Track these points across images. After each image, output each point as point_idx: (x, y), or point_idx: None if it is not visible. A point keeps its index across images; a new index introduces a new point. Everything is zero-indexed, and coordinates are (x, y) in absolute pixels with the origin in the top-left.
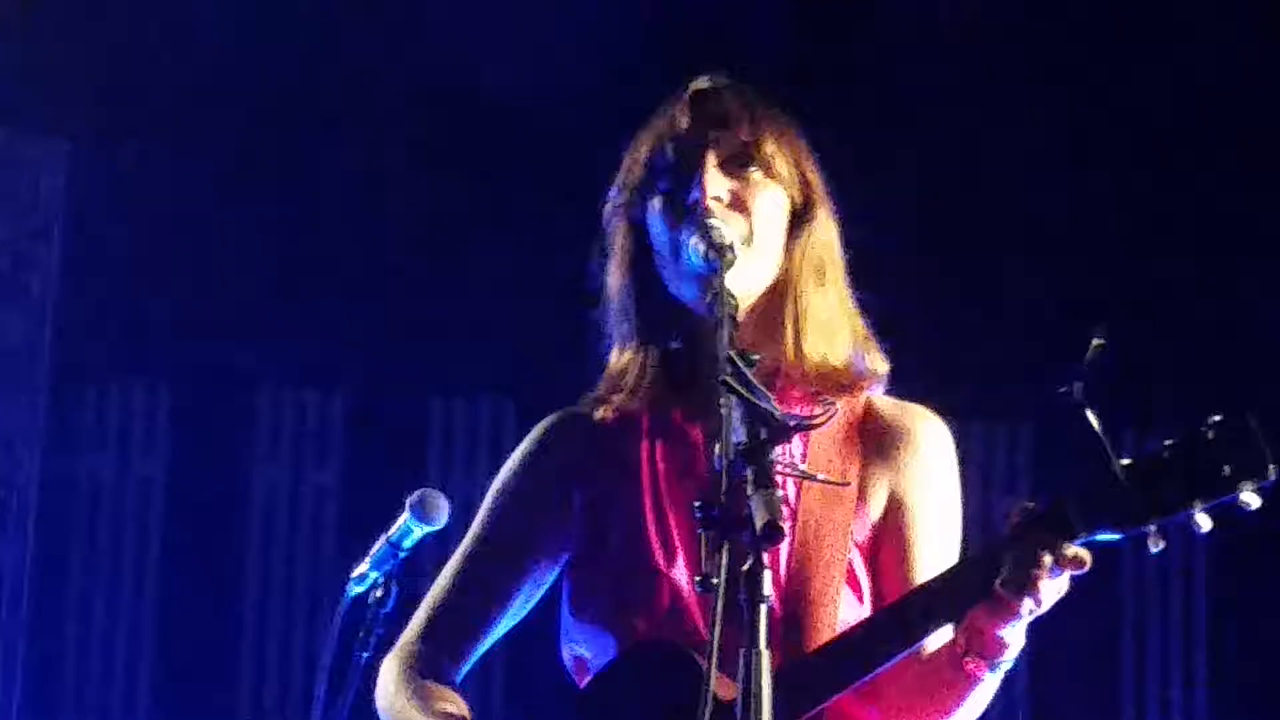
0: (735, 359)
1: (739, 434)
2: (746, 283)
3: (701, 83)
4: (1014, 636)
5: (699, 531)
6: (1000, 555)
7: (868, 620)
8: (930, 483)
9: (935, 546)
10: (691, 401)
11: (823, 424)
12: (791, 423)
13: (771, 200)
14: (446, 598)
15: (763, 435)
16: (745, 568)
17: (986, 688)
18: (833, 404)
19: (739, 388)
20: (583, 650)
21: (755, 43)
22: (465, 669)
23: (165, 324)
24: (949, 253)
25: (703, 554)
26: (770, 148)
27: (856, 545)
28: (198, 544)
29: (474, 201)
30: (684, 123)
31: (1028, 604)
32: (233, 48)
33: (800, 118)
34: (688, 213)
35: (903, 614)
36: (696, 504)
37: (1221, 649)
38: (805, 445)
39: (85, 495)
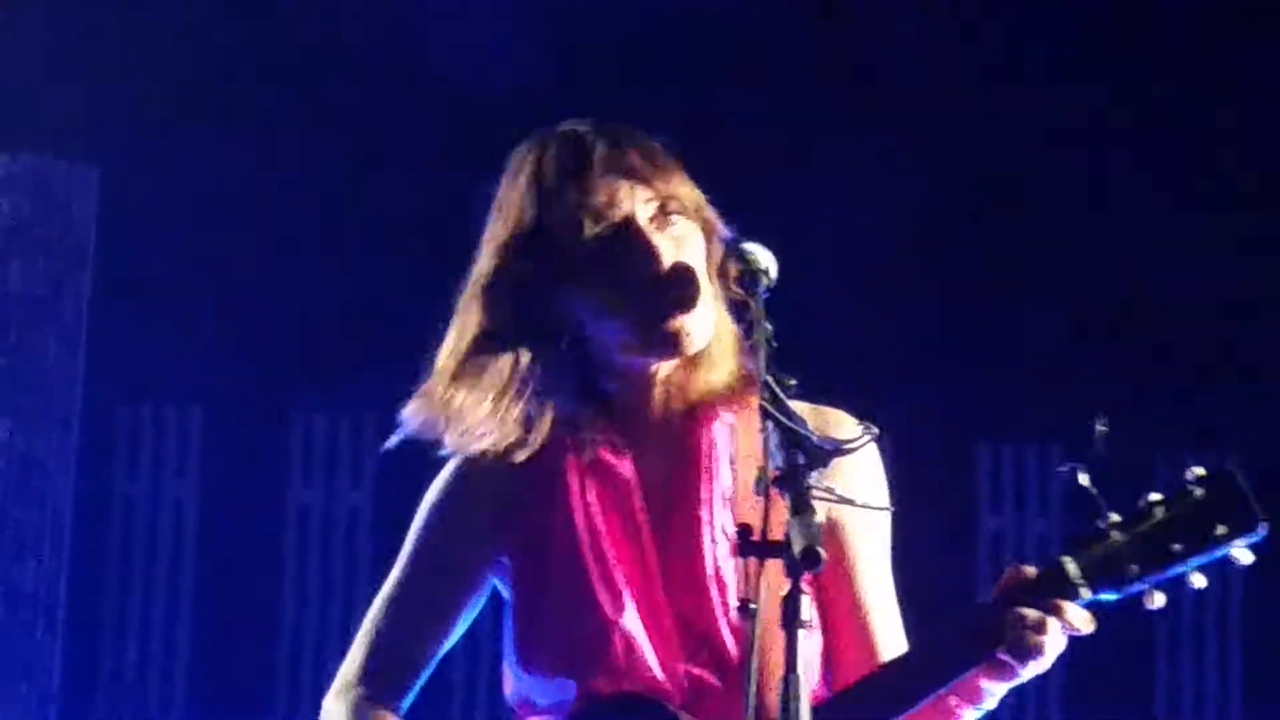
0: (772, 384)
1: (776, 459)
2: (707, 326)
3: (590, 137)
4: (997, 691)
5: (733, 558)
6: (998, 620)
7: (859, 684)
8: (857, 487)
9: (877, 561)
10: (620, 438)
11: (859, 448)
12: (829, 447)
13: (698, 241)
14: (379, 638)
15: (800, 461)
16: (784, 593)
17: None
18: (871, 428)
19: (776, 413)
20: (532, 696)
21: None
22: (409, 701)
23: (198, 348)
24: (985, 279)
25: (742, 579)
26: (680, 189)
27: None
28: (231, 567)
29: None
30: (598, 185)
31: (1032, 667)
32: (262, 75)
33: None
34: (637, 283)
35: (895, 680)
36: (736, 529)
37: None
38: (732, 468)
39: (119, 518)
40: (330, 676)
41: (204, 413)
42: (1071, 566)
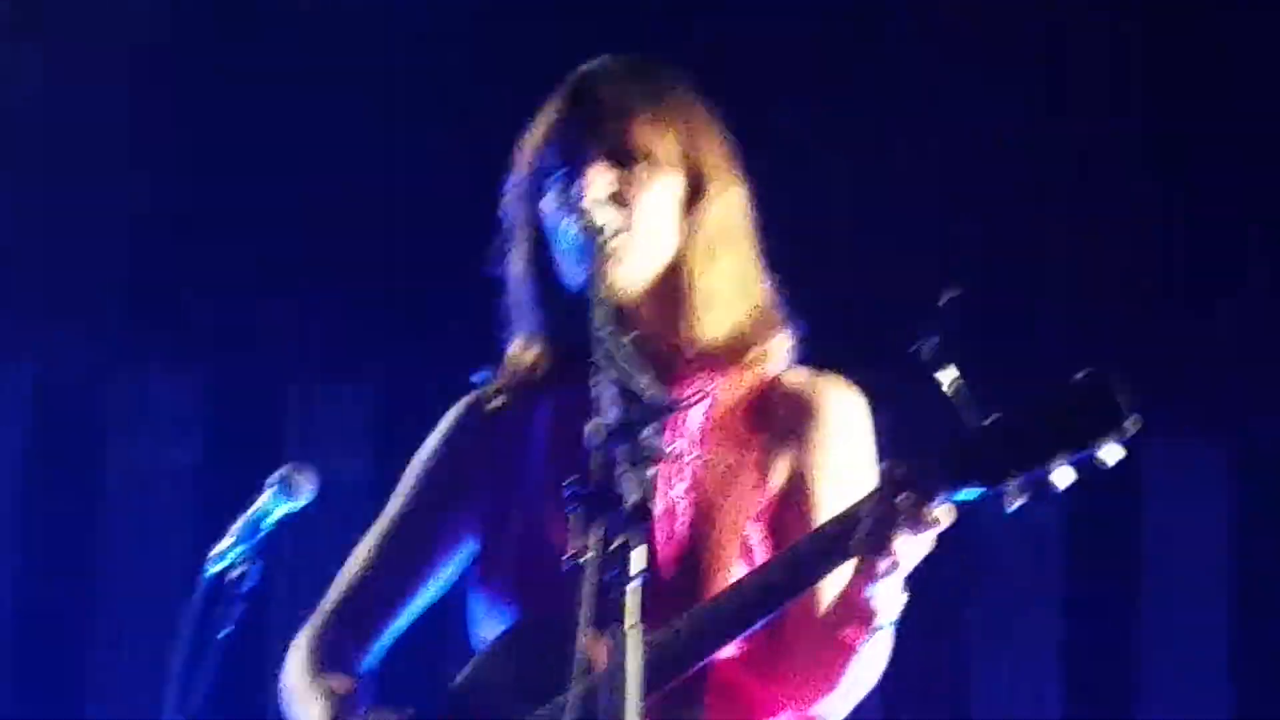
0: (609, 338)
1: (611, 413)
2: (637, 271)
3: (581, 71)
4: (883, 601)
5: (568, 510)
6: (859, 515)
7: (734, 585)
8: (834, 456)
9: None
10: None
11: (692, 405)
12: (663, 403)
13: (657, 188)
14: (355, 580)
15: (635, 414)
16: (614, 546)
17: (869, 655)
18: (704, 386)
19: (612, 366)
20: (489, 629)
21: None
22: (375, 650)
23: (32, 303)
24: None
25: (572, 532)
26: (650, 135)
27: (758, 521)
28: (54, 525)
29: (343, 188)
30: (563, 117)
31: (884, 563)
32: (192, 27)
33: (704, 92)
34: (570, 206)
35: (766, 579)
36: (566, 482)
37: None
38: (706, 421)
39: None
40: (152, 632)
41: (29, 370)
42: (932, 462)
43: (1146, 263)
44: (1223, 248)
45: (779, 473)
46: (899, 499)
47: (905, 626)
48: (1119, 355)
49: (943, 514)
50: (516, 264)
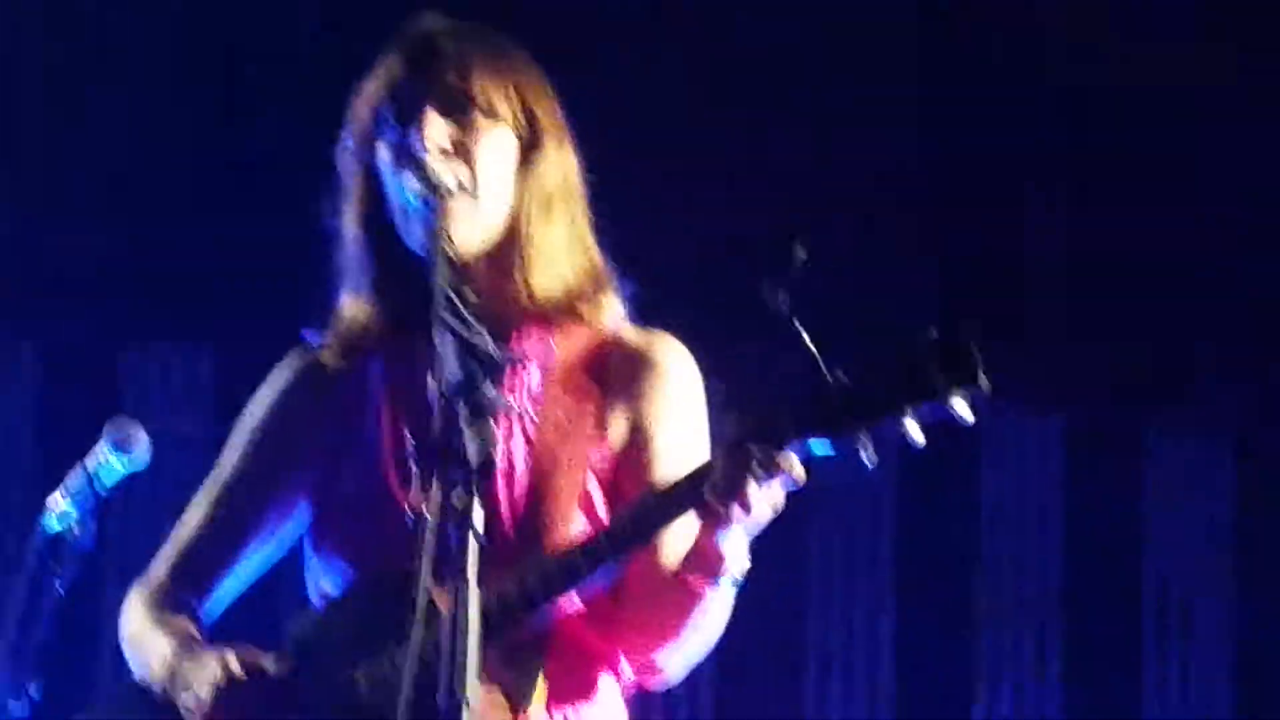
0: (450, 295)
1: (453, 370)
2: (476, 229)
3: (418, 25)
4: (732, 549)
5: (409, 465)
6: (713, 463)
7: (590, 534)
8: (671, 410)
9: (676, 472)
10: (426, 342)
11: (531, 361)
12: (505, 358)
13: (496, 143)
14: (191, 535)
15: (476, 371)
16: (455, 501)
17: (712, 605)
18: (541, 342)
19: (453, 323)
20: (327, 585)
21: None
22: (212, 605)
23: None
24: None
25: (412, 488)
26: (489, 89)
27: (596, 474)
28: None
29: (172, 140)
30: (401, 70)
31: (736, 511)
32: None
33: (536, 55)
34: (410, 160)
35: (616, 526)
36: (409, 437)
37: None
38: (545, 376)
39: None
40: None
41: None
42: (785, 412)
43: (985, 234)
44: (1058, 226)
45: (617, 426)
46: (752, 447)
47: (743, 592)
48: (958, 323)
49: (794, 465)
50: (350, 220)
